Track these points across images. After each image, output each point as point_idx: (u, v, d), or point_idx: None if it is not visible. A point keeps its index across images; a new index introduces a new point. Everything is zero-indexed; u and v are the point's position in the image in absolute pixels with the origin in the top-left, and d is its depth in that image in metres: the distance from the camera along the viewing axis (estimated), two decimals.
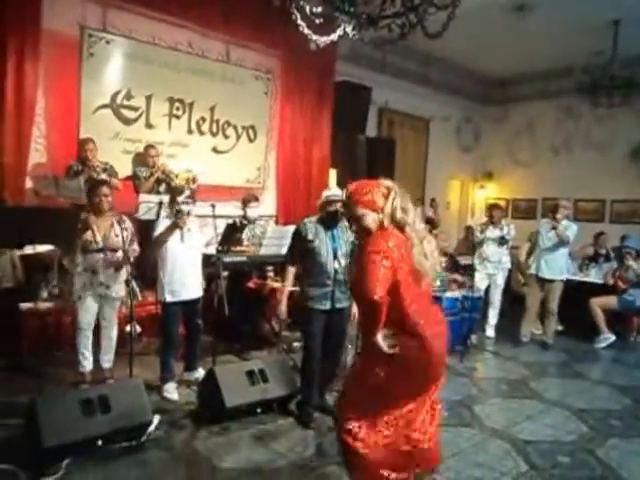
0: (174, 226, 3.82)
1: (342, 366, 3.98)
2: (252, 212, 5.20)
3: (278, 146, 7.15)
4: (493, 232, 6.01)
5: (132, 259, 3.89)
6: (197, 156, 6.25)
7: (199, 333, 4.17)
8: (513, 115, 9.95)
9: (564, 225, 5.63)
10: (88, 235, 3.75)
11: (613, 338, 5.95)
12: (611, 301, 6.11)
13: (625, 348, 6.00)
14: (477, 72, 9.37)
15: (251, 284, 5.16)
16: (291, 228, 4.65)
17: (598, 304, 6.06)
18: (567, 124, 9.15)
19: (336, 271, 3.45)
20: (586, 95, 7.12)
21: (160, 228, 3.89)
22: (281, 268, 4.92)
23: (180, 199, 3.91)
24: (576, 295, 6.01)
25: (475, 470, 3.04)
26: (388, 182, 2.39)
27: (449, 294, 5.35)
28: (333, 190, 3.67)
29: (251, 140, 6.90)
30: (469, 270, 5.79)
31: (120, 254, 3.83)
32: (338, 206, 3.43)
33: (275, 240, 4.94)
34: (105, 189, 3.92)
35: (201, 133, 6.42)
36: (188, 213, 3.89)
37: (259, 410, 3.60)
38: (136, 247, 3.97)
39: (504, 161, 10.08)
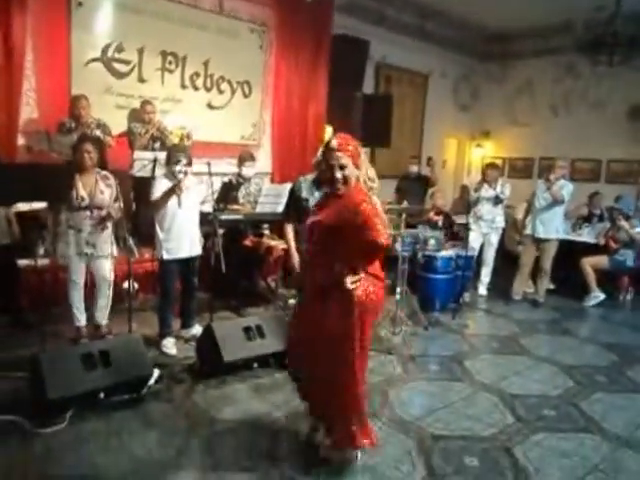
0: (171, 192, 3.78)
1: None
2: (248, 171, 5.16)
3: (273, 102, 7.01)
4: (488, 191, 6.01)
5: (115, 217, 3.83)
6: (191, 112, 6.14)
7: (194, 291, 4.21)
8: (511, 74, 9.74)
9: (559, 185, 5.65)
10: (73, 192, 3.70)
11: (602, 297, 6.06)
12: (602, 261, 6.19)
13: (614, 307, 6.13)
14: (476, 26, 9.08)
15: (247, 242, 5.18)
16: (287, 186, 4.65)
17: (590, 263, 6.14)
18: (566, 82, 8.98)
19: None
20: (585, 53, 6.96)
21: (157, 191, 3.83)
22: (278, 226, 4.94)
23: (177, 168, 3.82)
24: (568, 255, 6.08)
25: (464, 422, 3.16)
26: None
27: (443, 253, 5.41)
28: None
29: (246, 96, 6.77)
30: (464, 229, 5.83)
31: (105, 212, 3.80)
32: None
33: (271, 198, 4.94)
34: (88, 145, 3.82)
35: (195, 88, 6.28)
36: (185, 172, 3.85)
37: (256, 364, 3.69)
38: (118, 205, 3.87)
39: (501, 120, 9.94)
